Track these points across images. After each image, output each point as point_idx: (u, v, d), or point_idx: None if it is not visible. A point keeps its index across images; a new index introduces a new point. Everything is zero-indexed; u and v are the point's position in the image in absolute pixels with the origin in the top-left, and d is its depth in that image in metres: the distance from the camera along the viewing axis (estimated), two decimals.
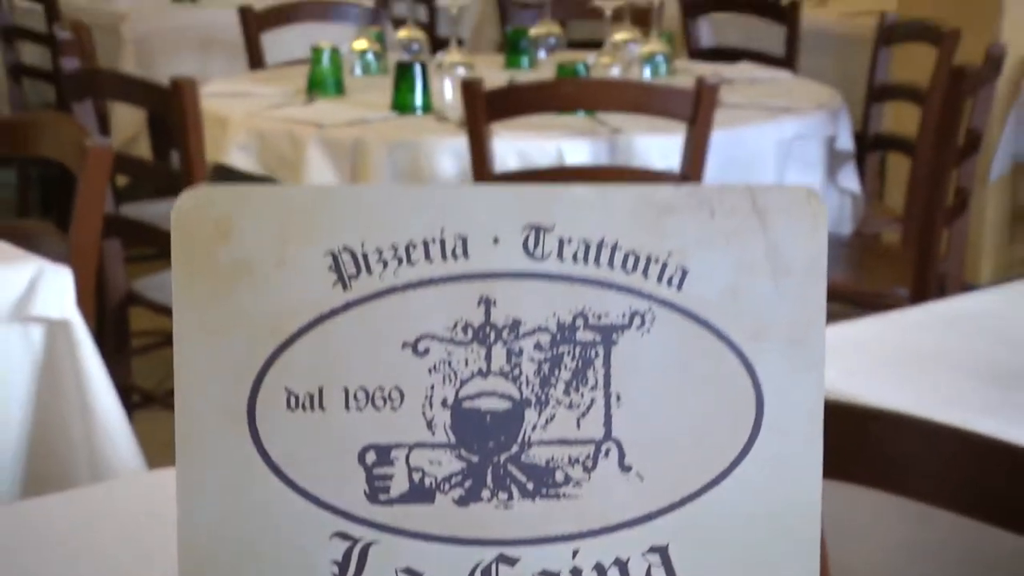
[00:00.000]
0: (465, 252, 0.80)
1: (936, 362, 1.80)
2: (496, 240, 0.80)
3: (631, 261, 0.81)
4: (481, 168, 3.18)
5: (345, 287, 0.79)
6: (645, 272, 0.81)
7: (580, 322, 0.81)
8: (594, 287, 0.81)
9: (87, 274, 2.37)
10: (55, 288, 2.08)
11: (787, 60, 4.91)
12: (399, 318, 0.80)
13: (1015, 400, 1.66)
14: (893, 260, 4.02)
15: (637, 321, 0.81)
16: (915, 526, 1.50)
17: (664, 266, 0.81)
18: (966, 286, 4.25)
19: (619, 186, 0.83)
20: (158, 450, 1.93)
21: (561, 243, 0.80)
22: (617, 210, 0.81)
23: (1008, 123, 4.79)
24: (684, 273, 0.81)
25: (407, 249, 0.79)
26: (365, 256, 0.79)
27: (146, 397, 3.58)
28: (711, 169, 3.25)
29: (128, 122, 4.73)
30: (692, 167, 3.22)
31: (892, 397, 1.62)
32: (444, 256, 0.80)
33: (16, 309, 2.05)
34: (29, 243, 2.54)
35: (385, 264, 0.79)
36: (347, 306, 0.79)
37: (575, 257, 0.81)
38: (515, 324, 0.80)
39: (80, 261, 2.36)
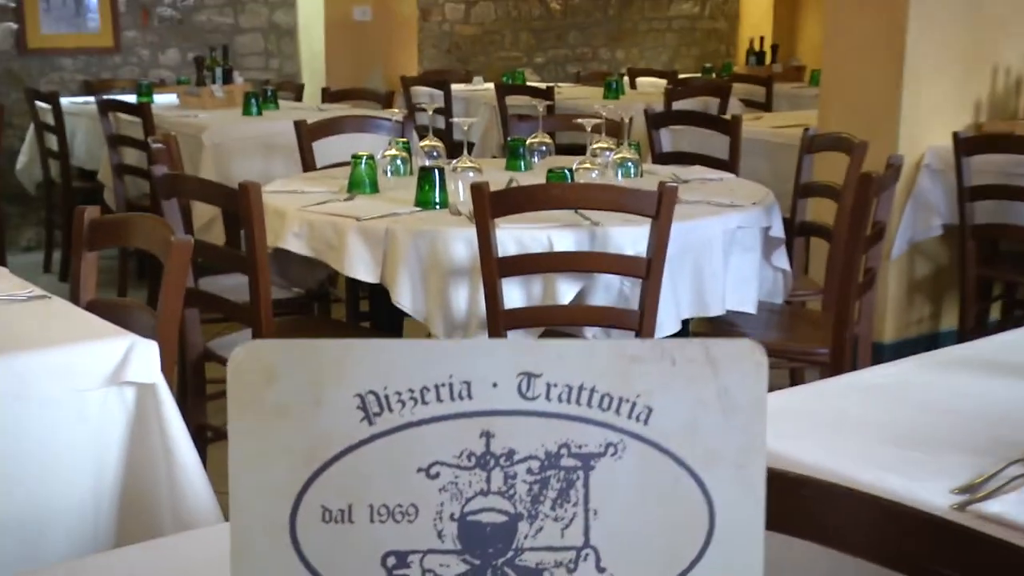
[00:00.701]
0: (469, 394, 0.82)
1: (853, 426, 1.78)
2: (495, 385, 0.82)
3: (606, 401, 0.83)
4: (487, 254, 3.16)
5: (370, 423, 0.82)
6: (618, 410, 0.83)
7: (564, 451, 0.84)
8: (576, 422, 0.83)
9: (171, 344, 2.36)
10: (144, 358, 2.06)
11: (730, 164, 4.91)
12: (415, 448, 0.82)
13: (916, 458, 1.63)
14: (816, 324, 4.01)
15: (611, 450, 0.84)
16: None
17: (634, 405, 0.83)
18: (874, 344, 4.26)
19: (596, 341, 0.87)
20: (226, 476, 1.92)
21: (548, 387, 0.83)
22: (595, 360, 0.83)
23: (905, 214, 4.81)
24: (650, 411, 0.84)
25: (421, 392, 0.82)
26: (387, 397, 0.82)
27: (217, 433, 3.55)
28: (671, 253, 3.23)
29: (206, 209, 4.72)
30: (656, 253, 3.21)
31: (818, 457, 1.60)
32: (452, 398, 0.82)
33: (114, 375, 2.04)
34: (125, 316, 2.53)
35: (403, 404, 0.82)
36: (372, 438, 0.82)
37: (560, 398, 0.83)
38: (511, 453, 0.83)
39: (165, 333, 2.35)
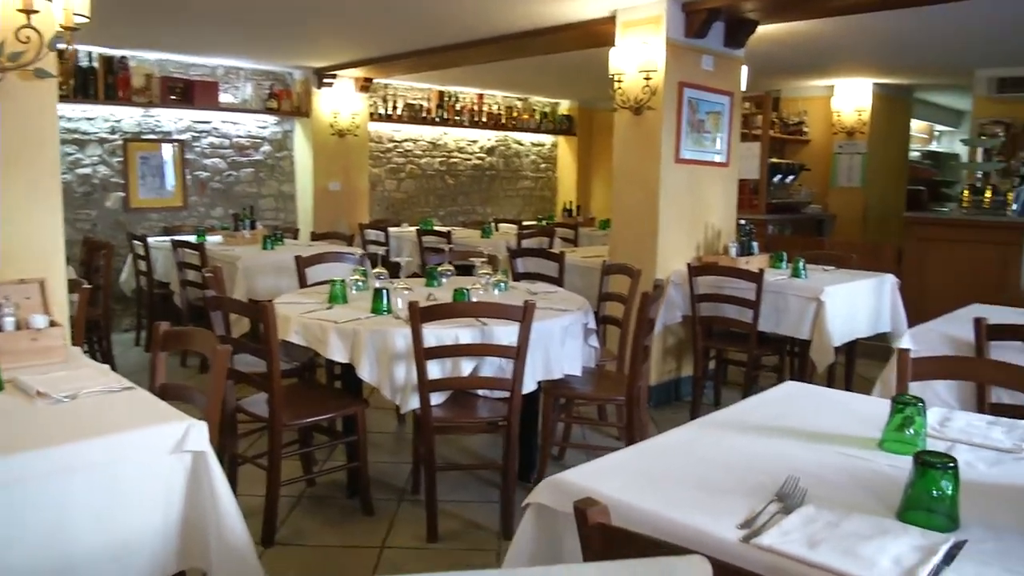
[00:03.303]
0: None
1: (666, 477, 1.58)
2: None
3: None
4: (418, 345, 2.96)
5: None
6: None
7: None
8: None
9: (215, 420, 2.07)
10: (198, 434, 1.81)
11: (559, 280, 4.78)
12: None
13: (709, 502, 1.45)
14: (616, 380, 3.86)
15: None
16: None
17: None
18: (648, 388, 4.16)
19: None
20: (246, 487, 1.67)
21: None
22: None
23: (661, 309, 4.71)
24: None
25: None
26: None
27: (244, 459, 3.24)
28: (530, 341, 3.06)
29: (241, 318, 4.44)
30: (522, 343, 3.05)
31: (650, 504, 1.41)
32: None
33: (177, 445, 1.79)
34: (188, 394, 2.27)
35: None
36: None
37: None
38: None
39: (211, 414, 2.09)
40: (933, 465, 1.35)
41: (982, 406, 2.86)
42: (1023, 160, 6.35)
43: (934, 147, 11.88)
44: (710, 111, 5.13)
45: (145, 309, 6.38)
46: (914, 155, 10.29)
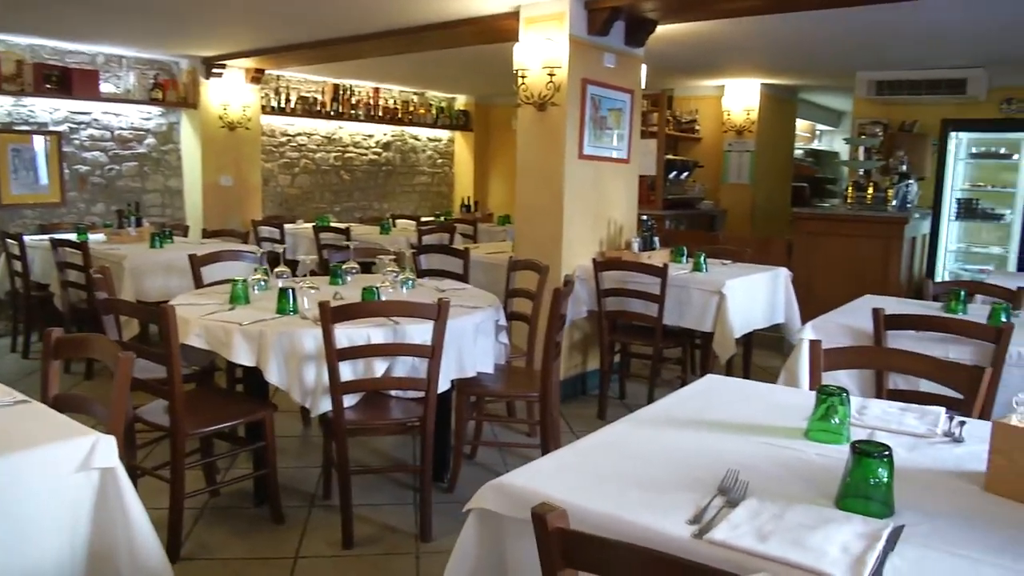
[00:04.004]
0: None
1: (609, 477, 1.56)
2: None
3: None
4: (329, 346, 2.87)
5: None
6: None
7: None
8: None
9: (120, 431, 1.93)
10: (106, 448, 1.68)
11: (464, 277, 4.74)
12: None
13: (654, 499, 1.44)
14: (529, 376, 3.86)
15: None
16: None
17: None
18: (560, 382, 4.18)
19: None
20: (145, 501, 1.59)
21: None
22: None
23: (569, 304, 4.73)
24: None
25: None
26: None
27: (143, 471, 3.06)
28: (446, 339, 3.02)
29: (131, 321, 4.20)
30: (437, 341, 2.99)
31: (601, 506, 1.39)
32: None
33: (83, 463, 1.65)
34: (87, 406, 2.12)
35: None
36: None
37: None
38: None
39: (116, 425, 1.95)
40: (870, 454, 1.39)
41: (880, 392, 3.01)
42: (901, 159, 6.72)
43: (816, 146, 12.45)
44: (612, 108, 5.20)
45: (22, 313, 5.98)
46: (798, 153, 10.75)
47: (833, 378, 3.17)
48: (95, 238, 6.00)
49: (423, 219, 8.56)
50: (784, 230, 8.60)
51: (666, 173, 8.55)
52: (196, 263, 4.30)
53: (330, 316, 2.87)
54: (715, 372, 4.12)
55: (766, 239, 7.40)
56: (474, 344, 3.43)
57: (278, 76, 8.70)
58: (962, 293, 3.59)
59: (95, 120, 7.21)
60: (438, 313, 2.99)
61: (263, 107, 8.32)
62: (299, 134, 9.08)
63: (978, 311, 3.58)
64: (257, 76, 7.96)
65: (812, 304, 5.25)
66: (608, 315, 4.82)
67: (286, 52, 7.01)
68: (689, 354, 5.13)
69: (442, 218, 8.91)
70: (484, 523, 1.49)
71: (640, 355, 5.28)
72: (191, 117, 7.79)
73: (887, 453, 1.40)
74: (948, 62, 7.08)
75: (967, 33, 5.95)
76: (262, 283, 3.79)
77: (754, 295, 4.85)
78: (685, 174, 8.97)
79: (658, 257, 5.13)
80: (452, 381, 3.34)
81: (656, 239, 5.32)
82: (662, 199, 8.41)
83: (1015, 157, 6.77)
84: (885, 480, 1.39)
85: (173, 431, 2.88)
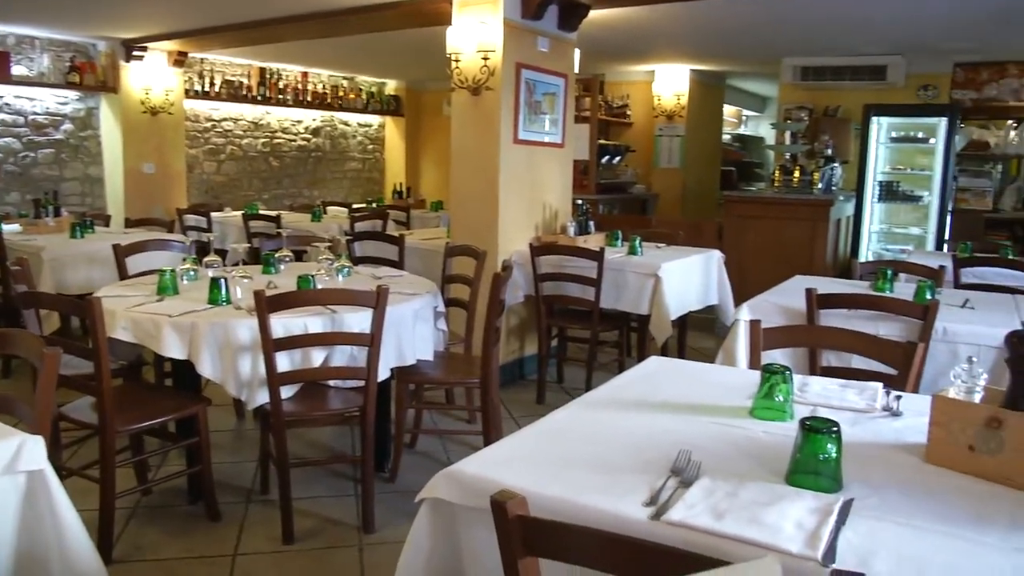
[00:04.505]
0: None
1: (560, 462, 1.54)
2: None
3: None
4: (265, 336, 2.79)
5: None
6: None
7: None
8: None
9: (47, 431, 1.84)
10: (33, 450, 1.58)
11: (400, 264, 4.69)
12: None
13: (608, 483, 1.42)
14: (469, 362, 3.83)
15: None
16: None
17: None
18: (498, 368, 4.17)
19: None
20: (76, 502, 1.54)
21: None
22: None
23: (507, 289, 4.72)
24: None
25: None
26: None
27: (69, 472, 2.93)
28: (385, 327, 2.97)
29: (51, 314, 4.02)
30: (376, 329, 2.95)
31: (555, 491, 1.37)
32: None
33: (9, 466, 1.55)
34: (10, 406, 2.01)
35: None
36: None
37: None
38: None
39: (43, 425, 1.85)
40: (819, 430, 1.41)
41: (814, 370, 3.08)
42: (825, 143, 6.88)
43: (742, 131, 12.69)
44: (546, 92, 5.19)
45: None
46: (725, 138, 10.94)
47: (768, 356, 3.24)
48: (10, 229, 5.71)
49: (355, 206, 8.43)
50: (714, 213, 8.76)
51: (599, 158, 8.60)
52: (120, 253, 4.15)
53: (266, 306, 2.79)
54: (651, 355, 4.17)
55: (697, 222, 7.52)
56: (413, 331, 3.38)
57: (202, 59, 8.44)
58: (888, 272, 3.70)
59: (6, 104, 6.88)
60: (377, 300, 2.94)
61: (187, 91, 8.07)
62: (225, 119, 8.83)
63: (903, 289, 3.69)
64: (180, 59, 7.70)
65: (744, 285, 5.36)
66: (545, 299, 4.82)
67: (210, 34, 6.80)
68: (626, 337, 5.17)
69: (374, 205, 8.79)
70: (437, 513, 1.46)
71: (577, 339, 5.30)
72: (111, 102, 7.50)
73: (835, 429, 1.42)
74: (869, 49, 7.28)
75: (885, 21, 6.12)
76: (191, 273, 3.66)
77: (689, 277, 4.91)
78: (617, 158, 9.04)
79: (594, 241, 5.15)
80: (391, 369, 3.29)
81: (591, 223, 5.34)
82: (595, 183, 8.45)
83: (932, 141, 7.00)
84: (834, 455, 1.41)
85: (102, 429, 2.76)
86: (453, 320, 4.68)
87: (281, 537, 2.97)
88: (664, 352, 4.91)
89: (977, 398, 1.62)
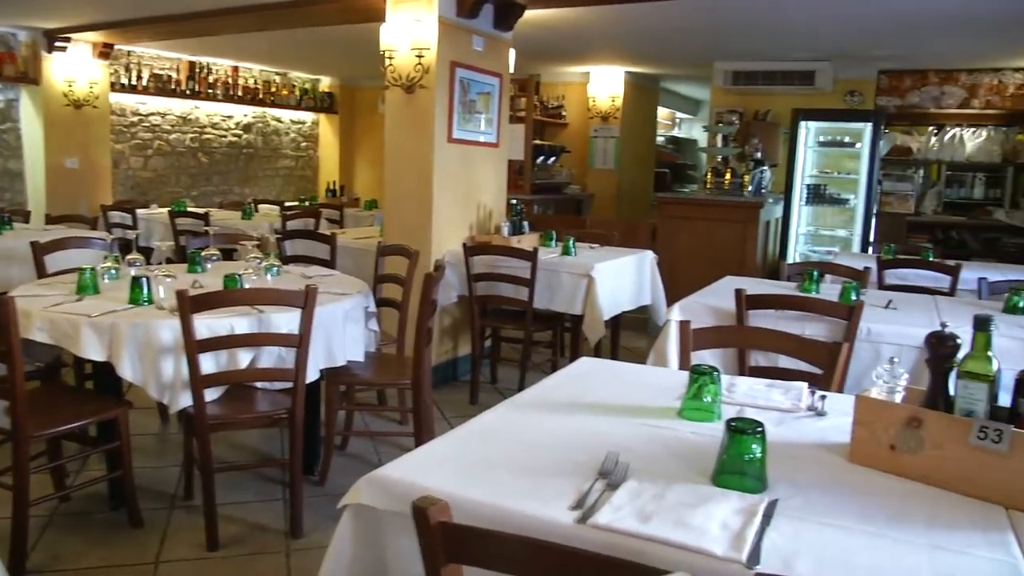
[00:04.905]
0: None
1: (488, 464, 1.51)
2: None
3: None
4: (189, 337, 2.70)
5: None
6: None
7: None
8: None
9: None
10: None
11: (332, 263, 4.60)
12: None
13: (535, 486, 1.40)
14: (400, 363, 3.77)
15: None
16: None
17: None
18: (432, 368, 4.12)
19: None
20: None
21: None
22: None
23: (440, 289, 4.67)
24: None
25: None
26: None
27: None
28: (314, 327, 2.90)
29: None
30: (305, 330, 2.88)
31: (482, 494, 1.35)
32: None
33: None
34: None
35: None
36: None
37: None
38: None
39: None
40: (744, 431, 1.41)
41: (743, 370, 3.12)
42: (755, 146, 7.01)
43: (676, 133, 12.86)
44: (481, 92, 5.16)
45: None
46: (659, 140, 11.08)
47: (698, 356, 3.27)
48: None
49: (287, 204, 8.27)
50: (648, 214, 8.85)
51: (534, 158, 8.61)
52: (39, 251, 3.99)
53: (189, 306, 2.70)
54: (585, 355, 4.17)
55: (632, 223, 7.58)
56: (343, 332, 3.31)
57: (129, 52, 8.18)
58: (815, 273, 3.77)
59: None
60: (305, 300, 2.87)
61: (112, 84, 7.80)
62: (152, 113, 8.57)
63: (829, 290, 3.77)
64: (105, 51, 7.44)
65: (676, 286, 5.41)
66: (479, 300, 4.79)
67: (137, 26, 6.59)
68: (559, 337, 5.18)
69: (307, 203, 8.64)
70: (360, 518, 1.42)
71: (511, 339, 5.28)
72: (32, 94, 7.21)
73: (760, 429, 1.42)
74: (798, 55, 7.45)
75: (811, 28, 6.26)
76: (113, 272, 3.53)
77: (622, 278, 4.94)
78: (552, 159, 9.06)
79: (528, 241, 5.14)
80: (321, 370, 3.22)
81: (525, 223, 5.33)
82: (530, 184, 8.46)
83: (858, 146, 7.19)
84: (759, 456, 1.41)
85: (15, 434, 2.63)
86: (385, 320, 4.62)
87: (205, 544, 2.88)
88: (597, 352, 4.93)
89: (898, 398, 1.65)
